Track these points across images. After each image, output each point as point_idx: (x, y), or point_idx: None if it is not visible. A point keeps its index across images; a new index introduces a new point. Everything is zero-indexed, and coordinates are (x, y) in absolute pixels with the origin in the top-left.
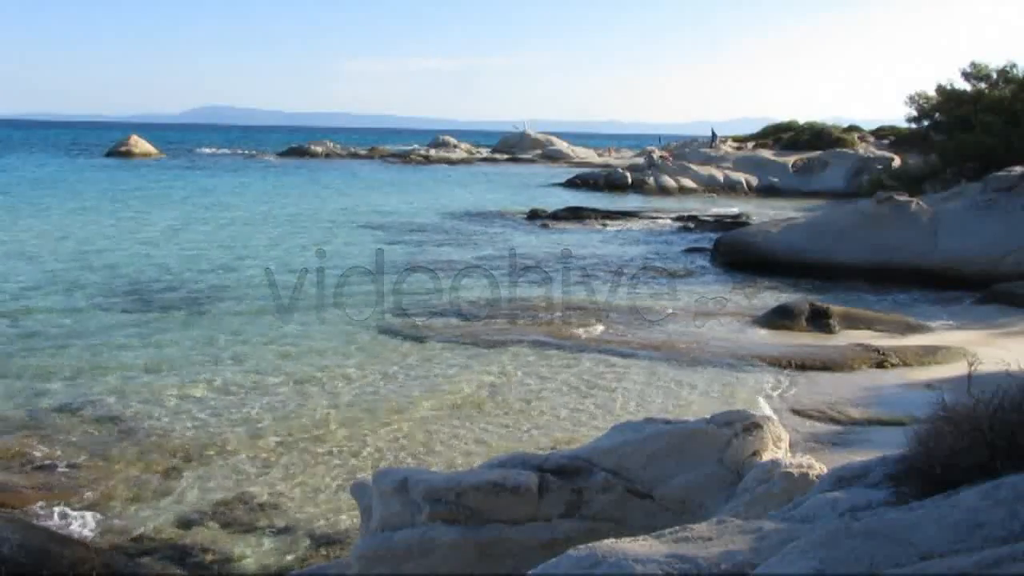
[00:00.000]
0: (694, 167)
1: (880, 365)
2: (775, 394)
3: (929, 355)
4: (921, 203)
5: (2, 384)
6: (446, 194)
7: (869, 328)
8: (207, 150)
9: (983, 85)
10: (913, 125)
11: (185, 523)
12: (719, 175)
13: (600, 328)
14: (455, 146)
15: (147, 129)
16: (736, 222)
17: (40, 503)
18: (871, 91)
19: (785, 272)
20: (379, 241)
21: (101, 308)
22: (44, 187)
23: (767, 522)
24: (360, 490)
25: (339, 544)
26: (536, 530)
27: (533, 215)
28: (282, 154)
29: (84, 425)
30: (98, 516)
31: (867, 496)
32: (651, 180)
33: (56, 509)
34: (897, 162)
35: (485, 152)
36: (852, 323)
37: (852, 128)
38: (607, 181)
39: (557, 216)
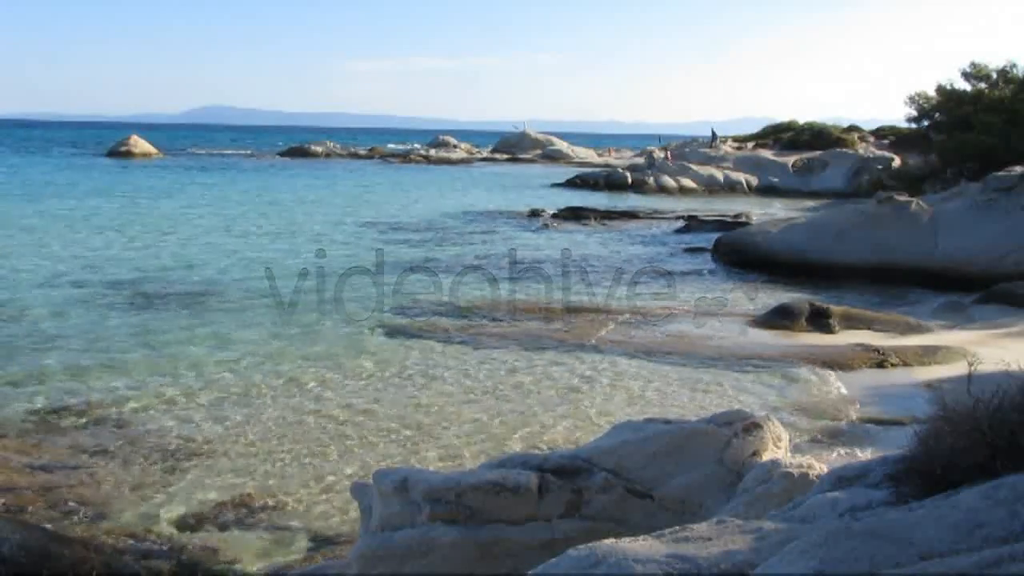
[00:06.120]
0: (694, 167)
1: (880, 365)
2: (775, 394)
3: (929, 355)
4: (921, 203)
5: (2, 384)
6: (446, 194)
7: (869, 328)
8: (207, 150)
9: (983, 85)
10: (913, 125)
11: (185, 523)
12: (719, 175)
13: (600, 328)
14: (455, 146)
15: (147, 129)
16: (736, 222)
17: (40, 503)
18: (871, 91)
19: (785, 272)
20: (379, 241)
21: (100, 308)
22: (43, 187)
23: (767, 522)
24: (360, 490)
25: (339, 544)
26: (536, 530)
27: (533, 215)
28: (282, 154)
29: (84, 425)
30: (98, 516)
31: (867, 496)
32: (651, 180)
33: (56, 509)
34: (897, 162)
35: (485, 152)
36: (852, 323)
37: (852, 128)
38: (607, 181)
39: (557, 216)
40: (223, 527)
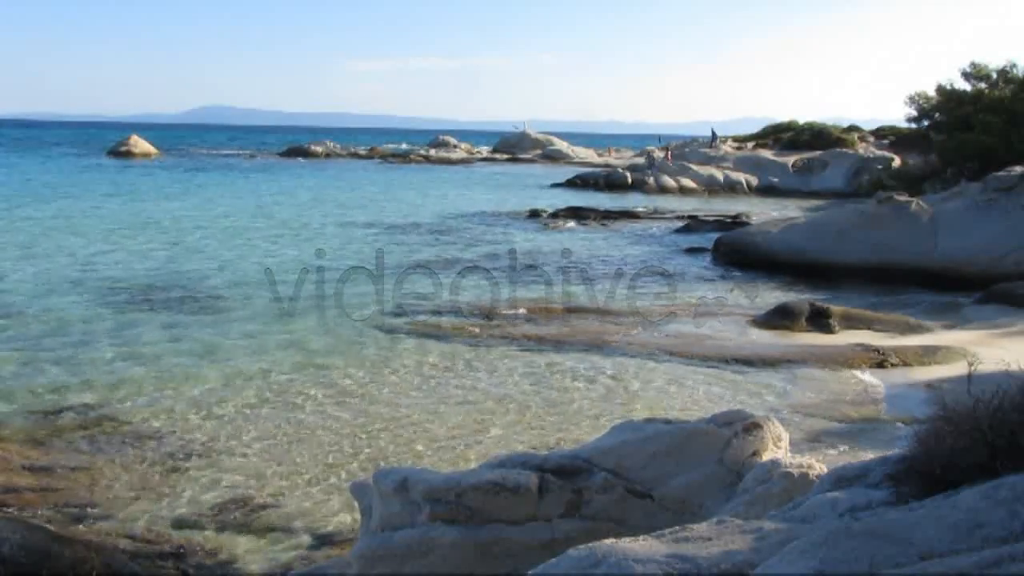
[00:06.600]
0: (694, 167)
1: (880, 365)
2: (775, 394)
3: (929, 355)
4: (921, 203)
5: (2, 385)
6: (446, 194)
7: (869, 328)
8: (207, 150)
9: (983, 85)
10: (913, 125)
11: (185, 523)
12: (719, 175)
13: (600, 328)
14: (455, 146)
15: (147, 129)
16: (736, 222)
17: (40, 503)
18: (871, 91)
19: (785, 272)
20: (379, 241)
21: (101, 309)
22: (44, 188)
23: (767, 522)
24: (360, 490)
25: (339, 544)
26: (536, 530)
27: (533, 215)
28: (282, 154)
29: (84, 426)
30: (98, 516)
31: (867, 496)
32: (651, 180)
33: (56, 509)
34: (897, 162)
35: (485, 152)
36: (852, 323)
37: (852, 128)
38: (607, 181)
39: (557, 216)
40: (223, 527)
